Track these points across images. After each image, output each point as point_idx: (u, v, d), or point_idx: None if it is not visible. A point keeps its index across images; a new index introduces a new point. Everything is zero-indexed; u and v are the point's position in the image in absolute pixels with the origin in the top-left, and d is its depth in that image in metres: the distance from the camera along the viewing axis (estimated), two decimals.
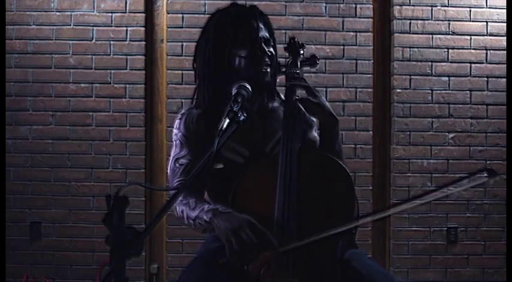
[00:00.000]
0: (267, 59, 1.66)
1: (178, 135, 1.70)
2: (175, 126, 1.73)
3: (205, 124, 1.67)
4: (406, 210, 3.44)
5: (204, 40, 1.69)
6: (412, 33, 3.50)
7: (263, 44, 1.65)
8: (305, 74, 3.53)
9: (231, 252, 1.36)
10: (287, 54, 1.81)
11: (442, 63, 3.51)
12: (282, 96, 1.78)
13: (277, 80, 1.77)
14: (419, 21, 3.51)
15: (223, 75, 1.65)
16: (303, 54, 1.80)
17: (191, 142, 1.68)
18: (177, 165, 1.66)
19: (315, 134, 1.79)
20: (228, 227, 1.37)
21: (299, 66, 1.75)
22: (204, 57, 1.68)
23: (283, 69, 1.75)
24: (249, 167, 1.54)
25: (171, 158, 1.69)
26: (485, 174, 1.24)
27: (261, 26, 1.67)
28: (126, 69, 3.43)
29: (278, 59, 1.74)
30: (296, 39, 1.81)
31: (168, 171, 1.69)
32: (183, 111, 1.76)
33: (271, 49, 1.69)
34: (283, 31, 3.43)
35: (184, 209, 1.55)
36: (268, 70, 1.65)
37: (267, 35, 1.69)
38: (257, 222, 1.39)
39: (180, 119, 1.73)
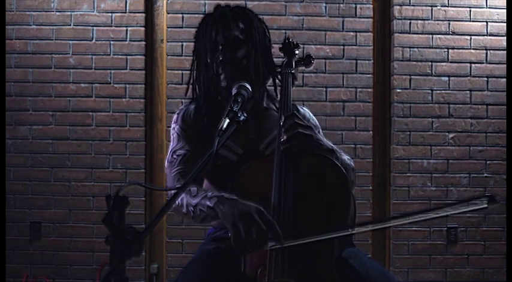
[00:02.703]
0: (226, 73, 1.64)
1: (176, 129, 1.72)
2: (173, 121, 1.75)
3: (202, 119, 1.70)
4: (406, 213, 3.46)
5: (194, 44, 1.73)
6: (412, 33, 3.50)
7: (224, 55, 1.63)
8: (305, 75, 3.50)
9: (236, 239, 1.30)
10: (282, 54, 1.82)
11: (442, 63, 3.51)
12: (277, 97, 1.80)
13: (268, 81, 1.78)
14: (419, 21, 3.51)
15: (209, 79, 1.68)
16: (297, 54, 1.82)
17: (188, 134, 1.69)
18: (175, 156, 1.66)
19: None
20: (236, 212, 1.32)
21: (294, 66, 1.78)
22: (193, 60, 1.73)
23: (279, 69, 1.76)
24: (245, 166, 1.55)
25: (169, 152, 1.69)
26: (486, 201, 1.22)
27: (236, 33, 1.65)
28: (126, 69, 3.43)
29: (273, 60, 1.75)
30: (290, 39, 1.84)
31: (166, 164, 1.68)
32: (181, 107, 1.78)
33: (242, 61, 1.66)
34: (283, 31, 3.44)
35: (184, 196, 1.51)
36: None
37: (240, 44, 1.66)
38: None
39: (178, 113, 1.75)
